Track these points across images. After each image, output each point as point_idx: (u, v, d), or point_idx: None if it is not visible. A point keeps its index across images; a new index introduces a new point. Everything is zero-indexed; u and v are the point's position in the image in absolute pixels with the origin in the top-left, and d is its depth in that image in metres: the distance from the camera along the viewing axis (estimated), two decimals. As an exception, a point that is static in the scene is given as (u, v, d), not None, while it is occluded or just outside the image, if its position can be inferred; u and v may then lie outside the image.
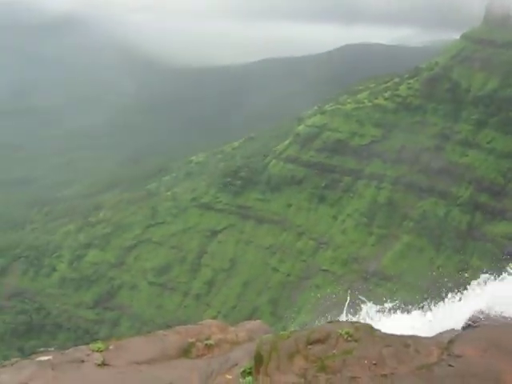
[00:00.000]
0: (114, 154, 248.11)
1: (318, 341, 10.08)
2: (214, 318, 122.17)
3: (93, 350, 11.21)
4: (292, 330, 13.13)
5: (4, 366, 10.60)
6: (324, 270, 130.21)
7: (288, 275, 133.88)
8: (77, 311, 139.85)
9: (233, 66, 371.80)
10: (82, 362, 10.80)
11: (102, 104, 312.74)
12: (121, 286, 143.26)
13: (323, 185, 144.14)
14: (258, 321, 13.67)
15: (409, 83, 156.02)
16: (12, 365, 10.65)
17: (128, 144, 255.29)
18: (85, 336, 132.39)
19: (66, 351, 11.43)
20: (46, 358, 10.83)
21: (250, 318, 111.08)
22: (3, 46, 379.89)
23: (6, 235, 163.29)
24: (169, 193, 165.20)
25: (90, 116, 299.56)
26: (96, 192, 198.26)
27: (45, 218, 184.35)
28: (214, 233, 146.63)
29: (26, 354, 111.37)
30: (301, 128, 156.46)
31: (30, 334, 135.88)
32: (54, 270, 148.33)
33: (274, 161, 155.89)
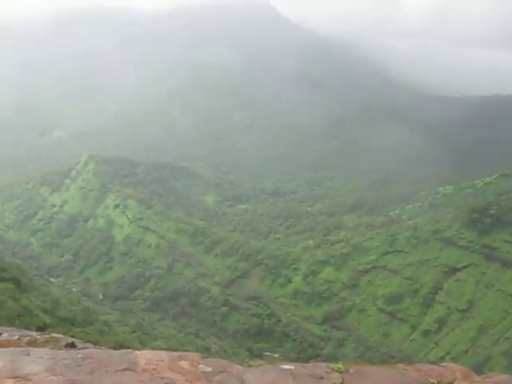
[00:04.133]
0: (362, 177, 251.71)
1: None
2: (442, 358, 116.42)
3: (332, 369, 11.29)
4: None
5: (250, 366, 11.21)
6: None
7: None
8: (305, 324, 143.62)
9: (497, 96, 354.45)
10: (321, 378, 10.94)
11: (357, 126, 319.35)
12: (351, 307, 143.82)
13: None
14: (508, 376, 12.53)
15: None
16: (257, 367, 11.20)
17: (377, 169, 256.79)
18: (308, 349, 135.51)
19: (306, 365, 11.68)
20: (288, 367, 11.19)
21: (481, 366, 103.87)
22: (274, 66, 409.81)
23: (251, 242, 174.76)
24: (410, 222, 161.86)
25: (338, 138, 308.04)
26: (339, 211, 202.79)
27: (287, 231, 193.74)
28: (453, 270, 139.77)
29: (253, 354, 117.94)
30: None
31: (259, 336, 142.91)
32: (290, 281, 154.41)
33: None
